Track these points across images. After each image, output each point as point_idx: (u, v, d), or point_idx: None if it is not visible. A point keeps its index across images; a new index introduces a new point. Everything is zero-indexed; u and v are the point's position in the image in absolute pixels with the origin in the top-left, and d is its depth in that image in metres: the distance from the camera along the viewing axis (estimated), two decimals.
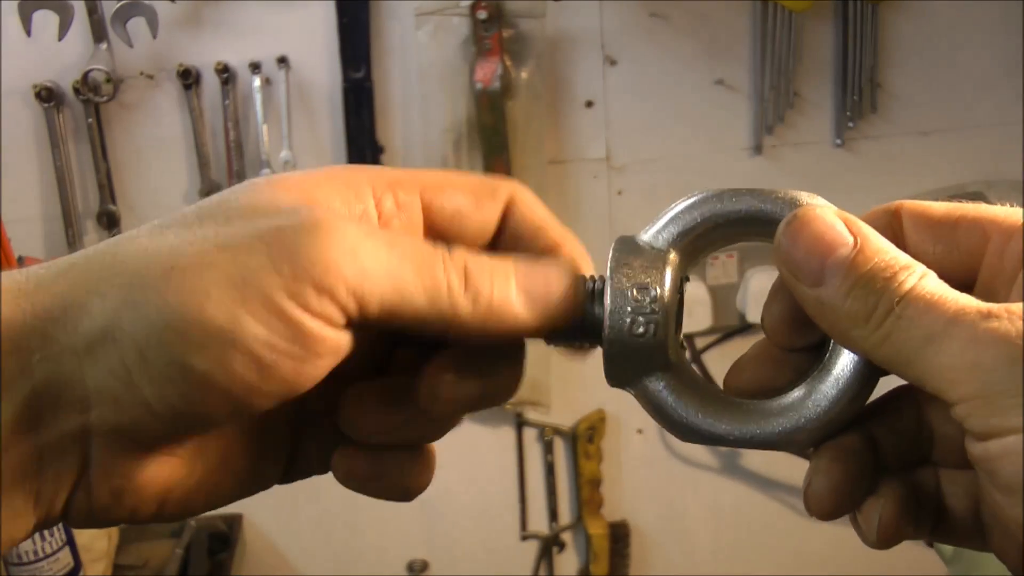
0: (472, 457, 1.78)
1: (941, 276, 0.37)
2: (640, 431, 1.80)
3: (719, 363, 1.72)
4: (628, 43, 1.59)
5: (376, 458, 0.43)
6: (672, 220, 0.41)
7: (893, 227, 0.40)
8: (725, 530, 1.91)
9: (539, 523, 1.85)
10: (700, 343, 1.71)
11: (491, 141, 1.52)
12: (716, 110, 1.64)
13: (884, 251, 0.37)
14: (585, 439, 1.76)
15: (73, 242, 1.52)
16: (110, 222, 1.53)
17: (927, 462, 0.42)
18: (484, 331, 0.39)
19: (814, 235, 0.37)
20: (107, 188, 1.52)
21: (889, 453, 0.41)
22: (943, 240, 0.39)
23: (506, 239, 0.43)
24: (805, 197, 0.40)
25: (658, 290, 0.39)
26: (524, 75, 1.52)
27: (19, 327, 0.35)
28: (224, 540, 1.66)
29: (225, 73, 1.49)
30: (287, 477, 0.45)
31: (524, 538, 1.85)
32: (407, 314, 0.38)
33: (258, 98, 1.50)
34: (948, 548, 1.22)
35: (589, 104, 1.61)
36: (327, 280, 0.35)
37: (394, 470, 0.43)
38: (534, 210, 0.43)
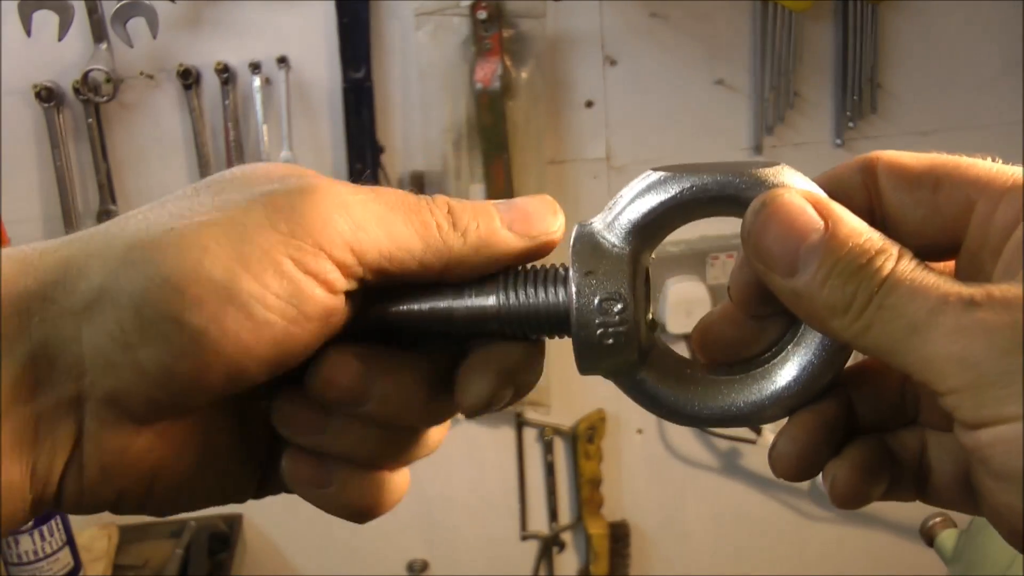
0: (472, 457, 1.78)
1: (923, 243, 0.37)
2: (640, 431, 1.80)
3: None
4: (628, 43, 1.59)
5: (320, 465, 0.42)
6: (630, 207, 0.39)
7: (868, 185, 0.38)
8: (725, 530, 1.91)
9: (539, 523, 1.85)
10: None
11: (491, 141, 1.52)
12: (716, 110, 1.64)
13: (858, 232, 0.35)
14: (585, 439, 1.76)
15: None
16: None
17: (913, 424, 0.41)
18: (478, 261, 0.40)
19: (783, 223, 0.36)
20: (107, 188, 1.52)
21: (867, 416, 0.41)
22: (924, 204, 0.38)
23: None
24: (771, 175, 0.38)
25: (625, 301, 0.39)
26: (524, 75, 1.52)
27: (21, 290, 0.36)
28: (224, 540, 1.66)
29: (225, 73, 1.49)
30: (260, 492, 0.44)
31: (524, 538, 1.85)
32: (406, 258, 0.38)
33: (258, 98, 1.50)
34: (948, 548, 1.22)
35: (589, 104, 1.61)
36: (324, 236, 0.36)
37: (340, 483, 0.42)
38: None
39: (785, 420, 0.41)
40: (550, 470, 1.81)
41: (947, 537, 1.22)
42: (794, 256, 0.36)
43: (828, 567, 1.92)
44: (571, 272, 0.39)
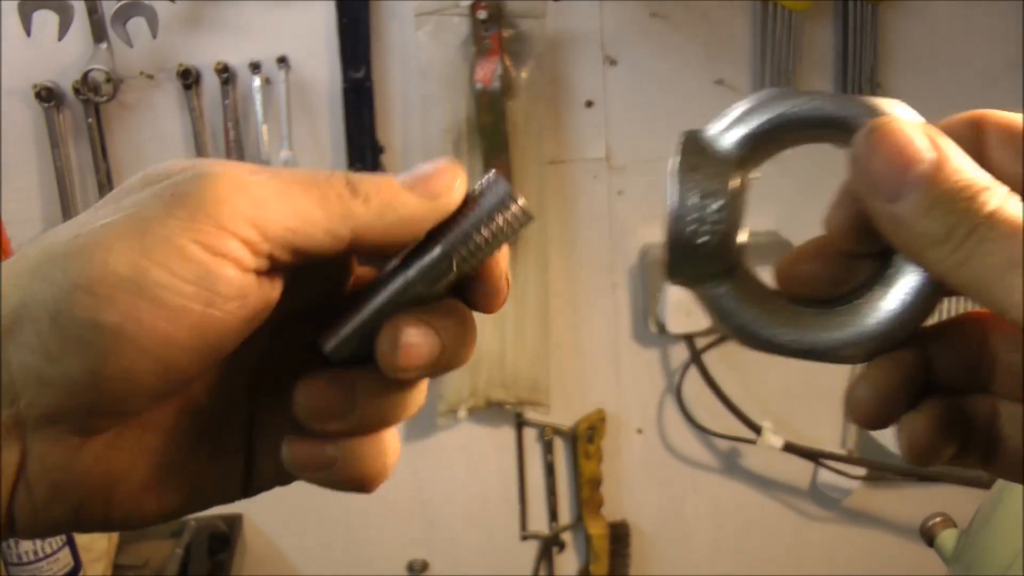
0: (472, 457, 1.78)
1: None
2: (640, 431, 1.80)
3: (719, 363, 1.72)
4: (628, 43, 1.59)
5: (324, 445, 0.42)
6: (741, 119, 0.40)
7: (975, 141, 0.38)
8: (725, 530, 1.91)
9: (539, 523, 1.85)
10: (700, 343, 1.71)
11: (491, 141, 1.52)
12: (716, 110, 1.62)
13: (966, 169, 0.35)
14: (585, 439, 1.76)
15: None
16: None
17: (987, 391, 0.41)
18: (386, 228, 0.39)
19: (893, 148, 0.36)
20: (107, 188, 1.52)
21: (943, 376, 0.41)
22: None
23: None
24: (885, 105, 0.38)
25: (723, 200, 0.39)
26: (524, 75, 1.52)
27: None
28: (224, 540, 1.66)
29: (225, 73, 1.49)
30: (248, 490, 0.44)
31: (524, 538, 1.85)
32: (311, 230, 0.38)
33: (258, 98, 1.50)
34: (948, 548, 1.22)
35: (589, 104, 1.61)
36: (224, 216, 0.36)
37: (345, 458, 0.42)
38: None
39: (858, 367, 0.41)
40: (550, 470, 1.81)
41: (947, 537, 1.22)
42: (900, 181, 0.35)
43: (828, 567, 1.92)
44: (674, 164, 0.39)
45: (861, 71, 1.61)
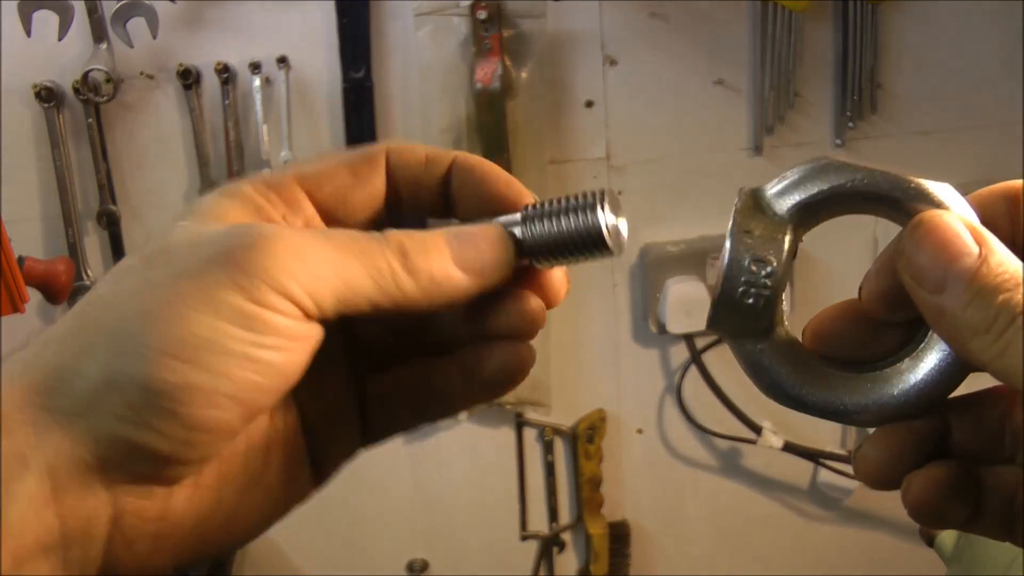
0: (472, 457, 1.78)
1: None
2: (640, 431, 1.80)
3: (719, 363, 1.72)
4: (628, 43, 1.59)
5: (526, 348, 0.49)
6: (797, 185, 0.42)
7: (1012, 213, 0.40)
8: (725, 530, 1.91)
9: (539, 523, 1.85)
10: (700, 343, 1.71)
11: (491, 141, 1.52)
12: (716, 110, 1.64)
13: (1007, 263, 0.37)
14: (585, 439, 1.76)
15: (73, 242, 1.52)
16: (110, 222, 1.53)
17: (1011, 463, 0.42)
18: (431, 304, 0.42)
19: (939, 242, 0.38)
20: (107, 188, 1.52)
21: (963, 445, 0.42)
22: None
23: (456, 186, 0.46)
24: (934, 189, 0.40)
25: (774, 266, 0.41)
26: (524, 75, 1.52)
27: (17, 408, 0.36)
28: None
29: (225, 73, 1.49)
30: (318, 480, 0.46)
31: (524, 538, 1.85)
32: (360, 301, 0.40)
33: (258, 98, 1.50)
34: (948, 548, 1.22)
35: (589, 104, 1.61)
36: (281, 285, 0.38)
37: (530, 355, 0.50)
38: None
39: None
40: (550, 470, 1.81)
41: (947, 537, 1.22)
42: (944, 275, 0.37)
43: (828, 567, 1.92)
44: (730, 227, 0.41)
45: (861, 71, 1.61)
